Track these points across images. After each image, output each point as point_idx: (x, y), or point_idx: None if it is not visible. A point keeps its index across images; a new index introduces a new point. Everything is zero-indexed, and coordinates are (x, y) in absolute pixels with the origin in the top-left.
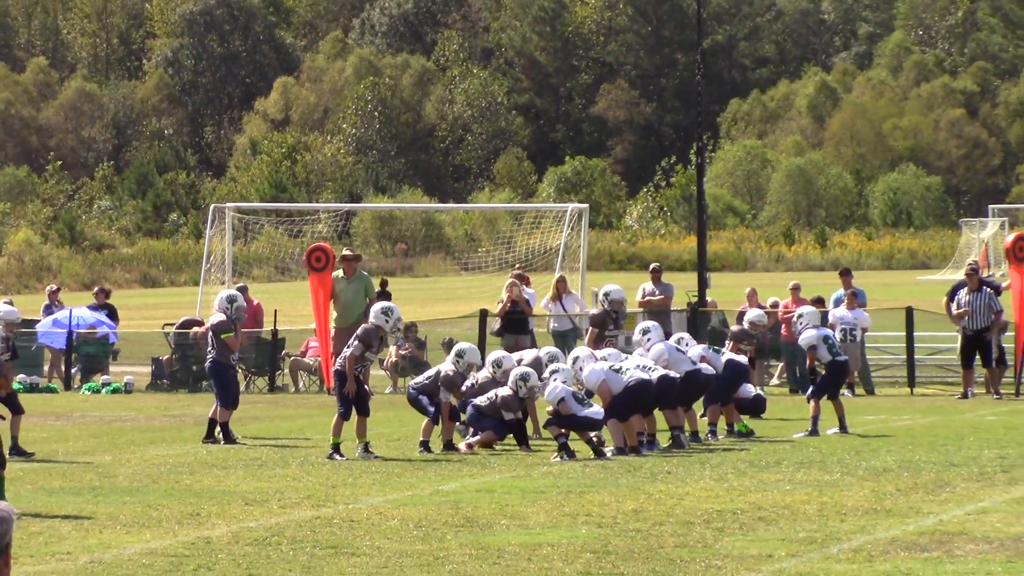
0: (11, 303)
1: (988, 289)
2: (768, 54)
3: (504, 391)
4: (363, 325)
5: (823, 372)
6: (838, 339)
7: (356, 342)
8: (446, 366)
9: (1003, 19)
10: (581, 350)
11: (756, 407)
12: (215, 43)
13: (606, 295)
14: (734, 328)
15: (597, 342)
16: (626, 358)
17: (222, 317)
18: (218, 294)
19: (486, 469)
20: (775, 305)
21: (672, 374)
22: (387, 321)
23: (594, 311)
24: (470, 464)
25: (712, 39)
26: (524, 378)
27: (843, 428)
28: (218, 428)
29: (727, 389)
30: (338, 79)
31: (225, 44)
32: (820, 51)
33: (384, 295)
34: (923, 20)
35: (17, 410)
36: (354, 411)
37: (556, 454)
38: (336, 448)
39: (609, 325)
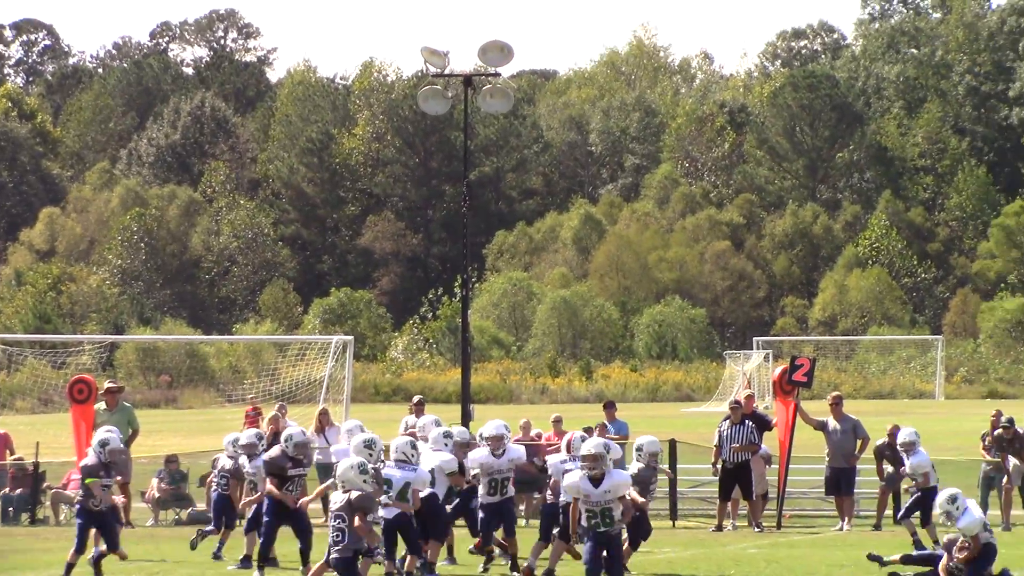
0: None
1: (750, 423)
2: (535, 186)
3: (273, 451)
4: (268, 458)
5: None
6: None
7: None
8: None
9: (769, 151)
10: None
11: None
12: None
13: (639, 449)
14: None
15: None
16: None
17: (93, 460)
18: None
19: None
20: (539, 436)
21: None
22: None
23: (634, 469)
24: None
25: (479, 171)
26: (289, 438)
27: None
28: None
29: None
30: (104, 210)
31: None
32: (587, 183)
33: None
34: (690, 152)
35: None
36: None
37: None
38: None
39: (653, 479)
